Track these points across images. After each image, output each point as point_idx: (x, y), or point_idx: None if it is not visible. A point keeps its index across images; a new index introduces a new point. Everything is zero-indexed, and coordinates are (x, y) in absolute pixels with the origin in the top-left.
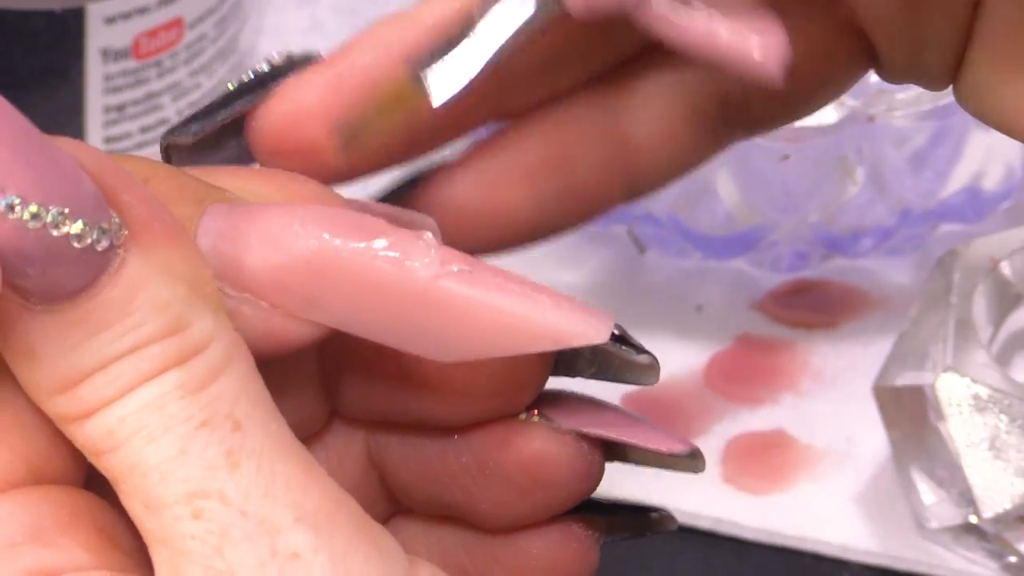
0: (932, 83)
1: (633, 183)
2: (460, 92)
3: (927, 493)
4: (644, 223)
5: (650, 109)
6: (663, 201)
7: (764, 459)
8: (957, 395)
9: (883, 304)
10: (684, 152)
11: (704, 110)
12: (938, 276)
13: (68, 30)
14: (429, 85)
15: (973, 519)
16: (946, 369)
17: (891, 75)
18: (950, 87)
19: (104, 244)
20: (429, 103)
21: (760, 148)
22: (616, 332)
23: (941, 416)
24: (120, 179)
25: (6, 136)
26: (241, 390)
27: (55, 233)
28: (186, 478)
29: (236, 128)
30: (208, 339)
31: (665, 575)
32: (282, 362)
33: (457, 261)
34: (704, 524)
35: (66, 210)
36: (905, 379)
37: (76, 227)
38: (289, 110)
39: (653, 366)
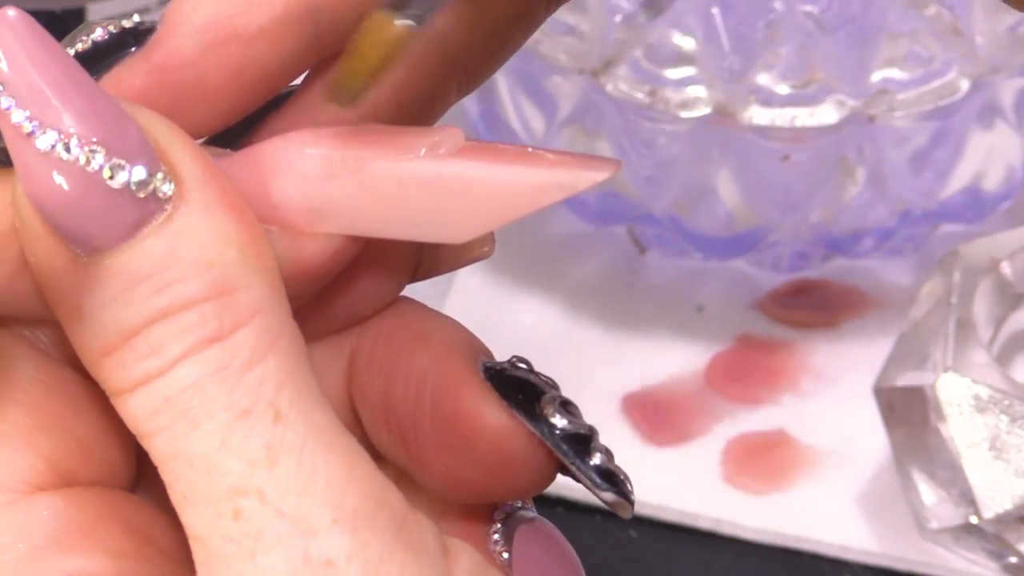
0: None
1: (464, 87)
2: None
3: (927, 493)
4: (645, 223)
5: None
6: (664, 201)
7: (764, 459)
8: (957, 395)
9: (883, 304)
10: (506, 37)
11: None
12: (938, 276)
13: (68, 30)
14: (398, 14)
15: (973, 519)
16: (946, 369)
17: None
18: None
19: (145, 191)
20: (404, 31)
21: (760, 148)
22: (602, 465)
23: (941, 416)
24: (175, 139)
25: (49, 72)
26: (286, 375)
27: (89, 168)
28: (229, 472)
29: None
30: (254, 310)
31: (665, 575)
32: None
33: (449, 140)
34: (704, 524)
35: (101, 148)
36: (905, 379)
37: (113, 166)
38: None
39: (619, 503)
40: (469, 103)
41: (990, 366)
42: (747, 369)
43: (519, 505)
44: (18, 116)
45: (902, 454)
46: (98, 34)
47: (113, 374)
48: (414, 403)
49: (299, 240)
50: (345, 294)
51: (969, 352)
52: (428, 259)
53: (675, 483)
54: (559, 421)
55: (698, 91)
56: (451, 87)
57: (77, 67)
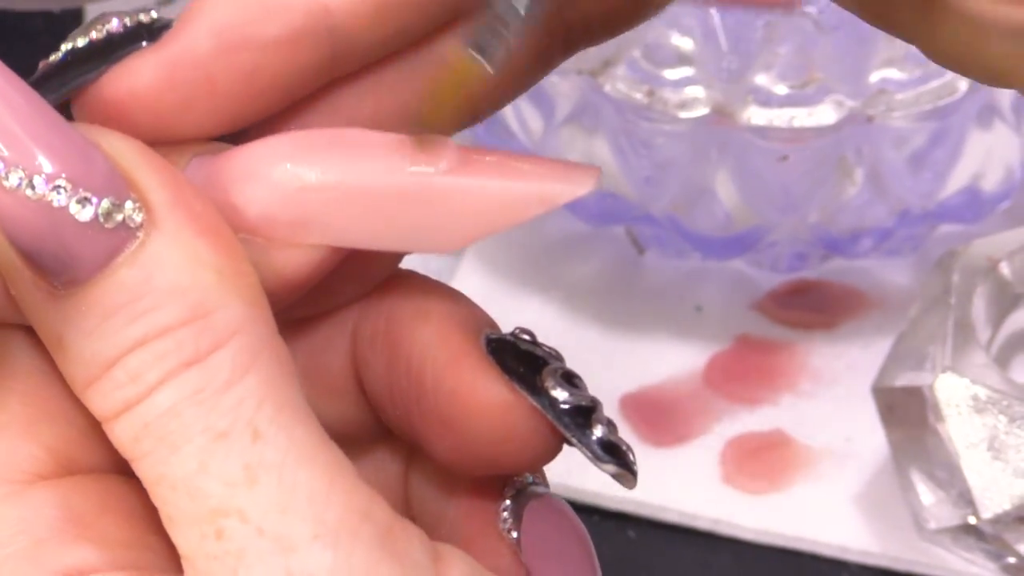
0: None
1: (471, 121)
2: (508, 54)
3: (926, 494)
4: (643, 224)
5: None
6: (662, 201)
7: (763, 459)
8: (956, 396)
9: (882, 305)
10: (519, 79)
11: (547, 38)
12: (937, 277)
13: (67, 30)
14: (481, 56)
15: (972, 520)
16: (945, 370)
17: None
18: None
19: (114, 221)
20: (486, 73)
21: (759, 149)
22: (604, 437)
23: (940, 417)
24: (143, 163)
25: (15, 109)
26: (266, 392)
27: (56, 204)
28: (209, 494)
29: (63, 107)
30: (232, 330)
31: (665, 575)
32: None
33: (436, 153)
34: (703, 524)
35: (66, 183)
36: (904, 380)
37: (79, 200)
38: (116, 98)
39: (622, 475)
40: None
41: (989, 366)
42: (746, 369)
43: (530, 480)
44: None
45: (901, 454)
46: (114, 25)
47: (95, 403)
48: (416, 379)
49: (281, 252)
50: (343, 270)
51: (968, 352)
52: None
53: (674, 483)
54: (560, 394)
55: (696, 91)
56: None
57: (39, 100)
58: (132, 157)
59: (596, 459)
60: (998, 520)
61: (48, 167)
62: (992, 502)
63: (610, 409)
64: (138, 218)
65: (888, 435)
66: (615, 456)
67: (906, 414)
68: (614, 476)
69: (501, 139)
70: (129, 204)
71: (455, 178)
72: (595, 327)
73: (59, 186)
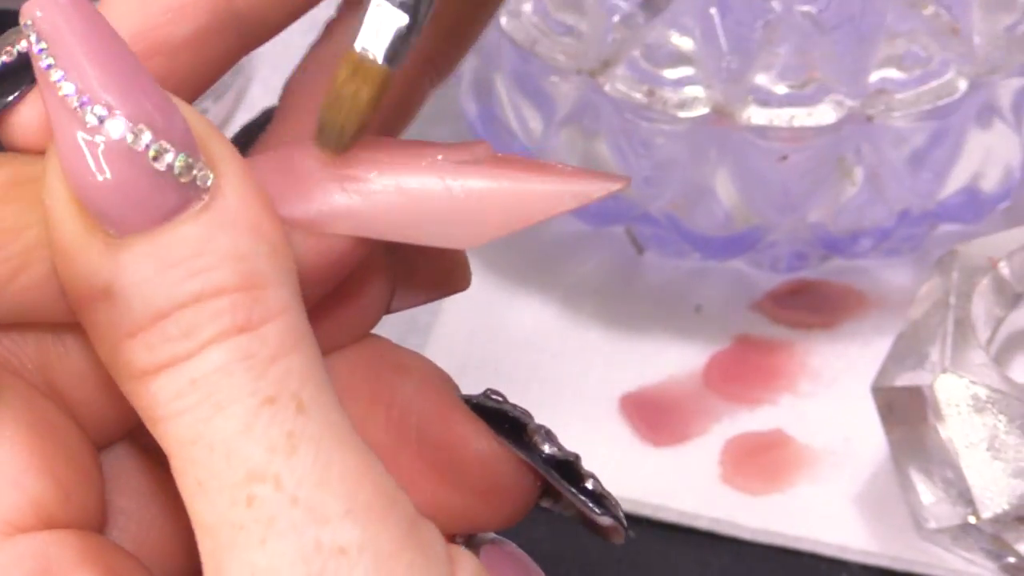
0: None
1: (435, 80)
2: (408, 50)
3: (925, 493)
4: (643, 223)
5: None
6: (662, 201)
7: (763, 459)
8: (956, 395)
9: (882, 304)
10: (470, 24)
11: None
12: (937, 276)
13: None
14: (378, 56)
15: (971, 519)
16: (945, 369)
17: None
18: None
19: (187, 177)
20: (388, 72)
21: (759, 148)
22: (593, 488)
23: (940, 416)
24: (214, 133)
25: (103, 52)
26: (309, 372)
27: (136, 147)
28: (248, 457)
29: None
30: (281, 308)
31: (664, 575)
32: None
33: (467, 149)
34: (703, 524)
35: (149, 129)
36: (904, 379)
37: (158, 148)
38: (41, 116)
39: (616, 528)
40: (467, 104)
41: (988, 366)
42: (745, 369)
43: None
44: (67, 88)
45: (900, 454)
46: (23, 46)
47: (138, 355)
48: (397, 431)
49: (306, 240)
50: (324, 323)
51: (967, 352)
52: (402, 290)
53: (673, 483)
54: (548, 449)
55: (696, 91)
56: (424, 84)
57: (129, 51)
58: (205, 125)
59: (591, 512)
60: (998, 520)
61: (132, 110)
62: (992, 502)
63: (609, 409)
64: (208, 180)
65: (888, 435)
66: (606, 508)
67: (906, 414)
68: (606, 528)
69: (501, 139)
70: (200, 164)
71: (488, 170)
72: (595, 327)
73: (140, 130)
